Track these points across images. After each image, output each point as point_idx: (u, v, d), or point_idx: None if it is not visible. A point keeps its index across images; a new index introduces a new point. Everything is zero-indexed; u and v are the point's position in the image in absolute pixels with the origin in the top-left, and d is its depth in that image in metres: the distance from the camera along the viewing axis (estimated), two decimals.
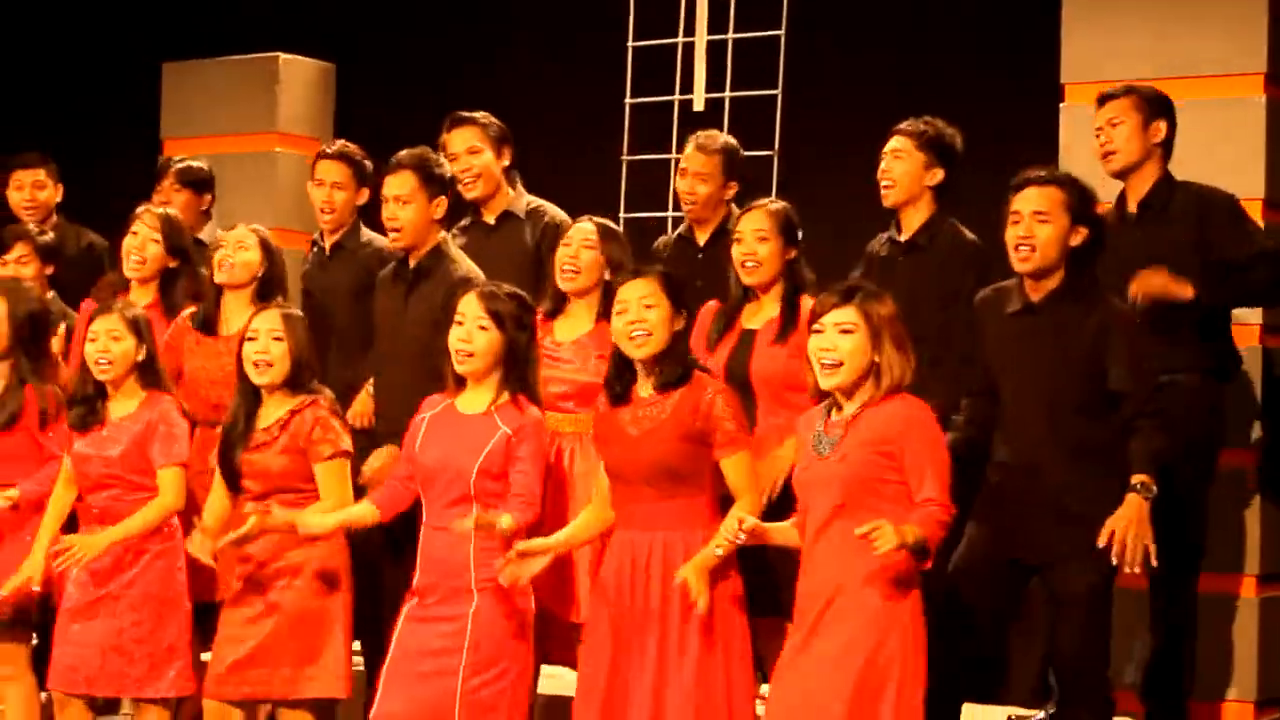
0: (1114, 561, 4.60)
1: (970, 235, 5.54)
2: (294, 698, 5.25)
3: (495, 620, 4.92)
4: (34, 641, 5.84)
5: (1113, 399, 4.77)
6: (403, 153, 5.74)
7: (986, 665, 5.61)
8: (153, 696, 5.47)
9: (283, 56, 8.02)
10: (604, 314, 5.28)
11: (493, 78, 7.85)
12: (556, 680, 5.90)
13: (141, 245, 6.07)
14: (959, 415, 5.02)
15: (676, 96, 7.02)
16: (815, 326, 4.54)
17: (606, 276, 5.43)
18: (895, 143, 5.62)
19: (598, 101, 7.25)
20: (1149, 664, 5.48)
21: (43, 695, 5.88)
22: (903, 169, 5.57)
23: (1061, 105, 6.30)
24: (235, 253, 5.86)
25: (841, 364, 4.48)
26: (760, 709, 4.95)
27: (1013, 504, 4.73)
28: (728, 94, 6.96)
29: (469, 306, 4.97)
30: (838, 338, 4.49)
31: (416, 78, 7.78)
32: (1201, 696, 5.76)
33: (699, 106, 6.99)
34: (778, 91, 6.82)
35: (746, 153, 6.68)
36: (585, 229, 5.49)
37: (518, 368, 4.99)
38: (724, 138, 6.01)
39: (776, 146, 6.78)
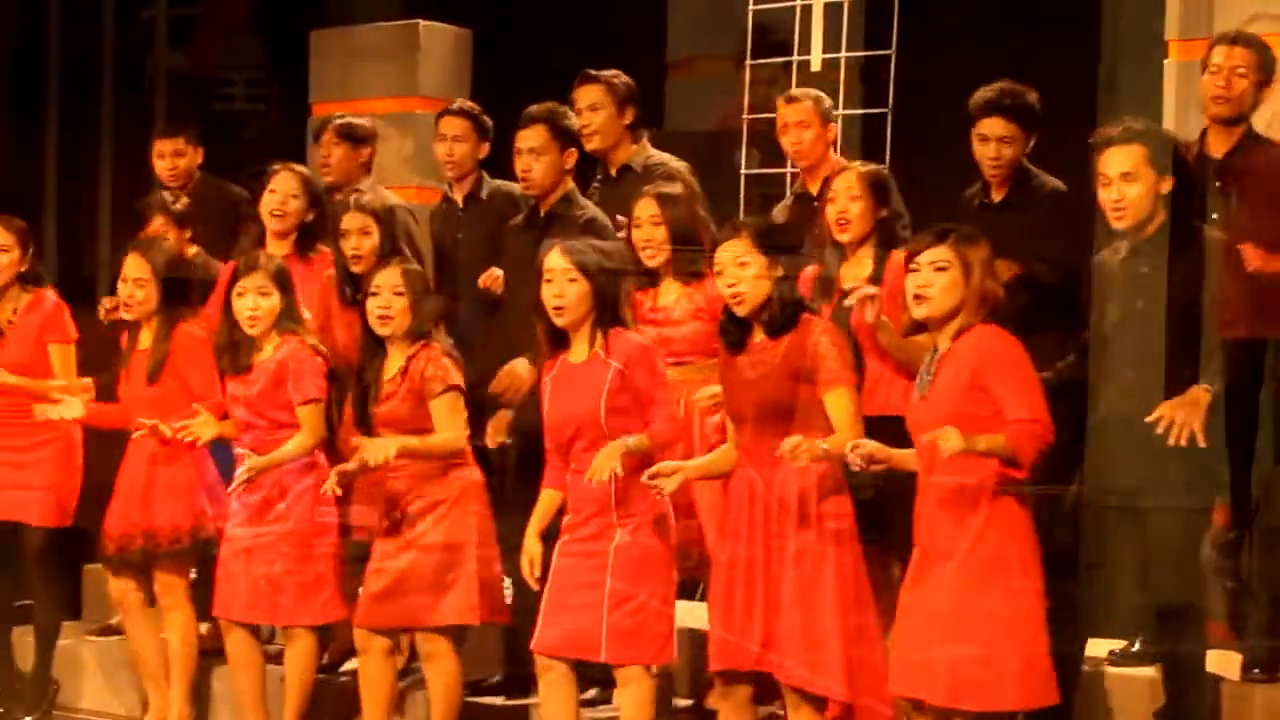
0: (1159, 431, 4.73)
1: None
2: (430, 625, 5.49)
3: (636, 553, 5.09)
4: (193, 575, 6.16)
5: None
6: (533, 107, 6.04)
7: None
8: (299, 624, 5.76)
9: (423, 23, 8.20)
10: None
11: (621, 45, 8.01)
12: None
13: (283, 201, 6.27)
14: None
15: (795, 57, 7.15)
16: (911, 265, 4.70)
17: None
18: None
19: (721, 62, 7.50)
20: (1232, 600, 5.56)
21: (203, 627, 6.24)
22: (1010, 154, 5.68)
23: (1166, 62, 6.32)
24: (361, 242, 6.01)
25: (932, 298, 4.65)
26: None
27: (1113, 445, 4.77)
28: (843, 54, 7.08)
29: (554, 262, 5.12)
30: (933, 275, 4.65)
31: (547, 42, 8.05)
32: None
33: (816, 67, 7.11)
34: (891, 52, 6.94)
35: (862, 111, 6.92)
36: (649, 207, 5.57)
37: (609, 310, 5.14)
38: (807, 89, 6.22)
39: (890, 104, 6.92)
